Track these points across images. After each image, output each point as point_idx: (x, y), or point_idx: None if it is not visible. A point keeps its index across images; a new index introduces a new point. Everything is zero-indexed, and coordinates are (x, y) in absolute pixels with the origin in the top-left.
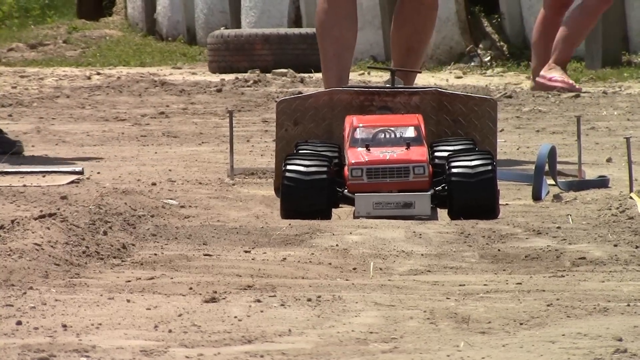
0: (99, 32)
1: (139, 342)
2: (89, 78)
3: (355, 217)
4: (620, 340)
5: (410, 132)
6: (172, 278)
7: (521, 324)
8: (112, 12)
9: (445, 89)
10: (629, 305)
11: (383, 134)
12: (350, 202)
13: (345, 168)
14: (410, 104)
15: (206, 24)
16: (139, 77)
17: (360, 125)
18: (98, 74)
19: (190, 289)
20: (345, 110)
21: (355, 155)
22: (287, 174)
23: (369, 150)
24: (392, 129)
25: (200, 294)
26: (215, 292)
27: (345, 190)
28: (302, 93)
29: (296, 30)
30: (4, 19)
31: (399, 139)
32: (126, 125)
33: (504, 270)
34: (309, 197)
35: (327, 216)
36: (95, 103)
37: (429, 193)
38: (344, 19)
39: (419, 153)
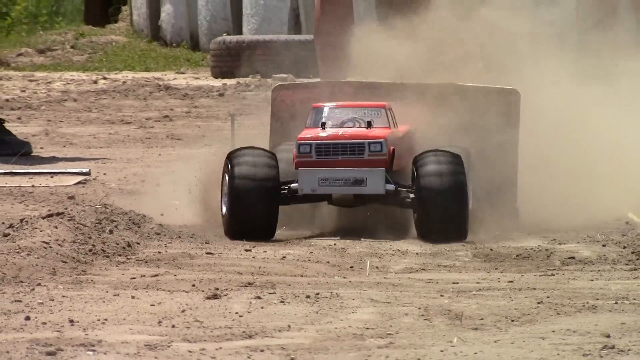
0: (105, 38)
1: (144, 337)
2: (95, 82)
3: (298, 194)
4: (609, 336)
5: (375, 114)
6: (175, 275)
7: (512, 320)
8: (118, 18)
9: (461, 83)
10: (616, 303)
11: (344, 114)
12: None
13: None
14: (425, 97)
15: (209, 30)
16: (144, 82)
17: (319, 106)
18: (104, 78)
19: (193, 285)
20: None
21: (305, 132)
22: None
23: (323, 128)
24: (355, 109)
25: (203, 291)
26: (217, 289)
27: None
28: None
29: (295, 37)
30: (13, 25)
31: (360, 119)
32: (131, 128)
33: (496, 268)
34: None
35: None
36: (102, 106)
37: (383, 169)
38: (340, 25)
39: (379, 131)
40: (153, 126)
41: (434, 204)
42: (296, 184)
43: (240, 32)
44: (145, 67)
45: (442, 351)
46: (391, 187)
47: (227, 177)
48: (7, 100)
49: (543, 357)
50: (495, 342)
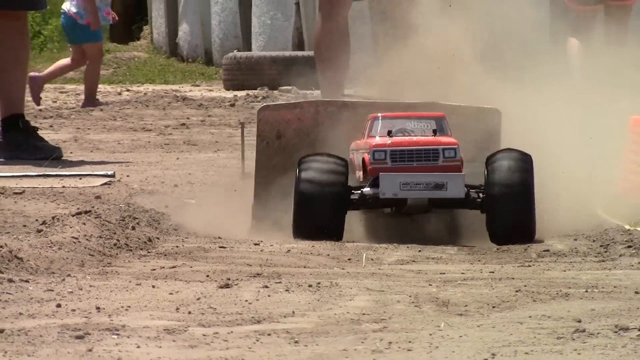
0: (128, 54)
1: (163, 322)
2: (119, 94)
3: (380, 198)
4: (580, 321)
5: (434, 124)
6: (191, 267)
7: (493, 307)
8: (140, 36)
9: (445, 102)
10: (587, 291)
11: (406, 124)
12: (368, 204)
13: (365, 155)
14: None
15: (221, 47)
16: (163, 93)
17: (380, 115)
18: (127, 90)
19: (207, 276)
20: (334, 125)
21: (376, 140)
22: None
23: (390, 136)
24: (415, 118)
25: (216, 281)
26: (229, 279)
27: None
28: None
29: (299, 53)
30: (46, 43)
31: (424, 128)
32: (152, 134)
33: (479, 261)
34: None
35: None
36: (125, 115)
37: (463, 174)
38: (338, 43)
39: (449, 138)
40: (171, 133)
41: (501, 205)
42: (368, 189)
43: (249, 49)
44: (164, 80)
45: (430, 334)
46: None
47: (295, 182)
48: (40, 110)
49: (521, 339)
50: (478, 326)
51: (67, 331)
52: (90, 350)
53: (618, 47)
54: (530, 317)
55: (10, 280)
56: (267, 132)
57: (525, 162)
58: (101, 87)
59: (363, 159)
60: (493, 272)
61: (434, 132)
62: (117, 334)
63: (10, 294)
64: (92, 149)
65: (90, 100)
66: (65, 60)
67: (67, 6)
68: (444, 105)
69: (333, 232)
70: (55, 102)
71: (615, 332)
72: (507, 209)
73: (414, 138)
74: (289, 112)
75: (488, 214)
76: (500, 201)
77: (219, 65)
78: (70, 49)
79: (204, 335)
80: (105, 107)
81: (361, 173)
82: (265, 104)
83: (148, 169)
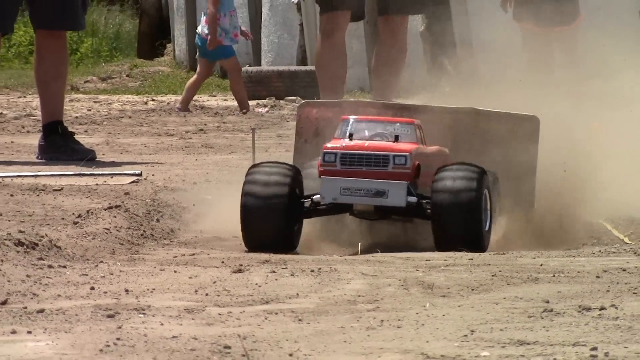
0: (153, 68)
1: (183, 303)
2: (145, 103)
3: (320, 202)
4: (548, 302)
5: (404, 130)
6: (208, 254)
7: (472, 289)
8: (164, 53)
9: (483, 108)
10: (554, 275)
11: (372, 127)
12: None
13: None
14: (443, 122)
15: None
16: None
17: (348, 118)
18: (153, 100)
19: (222, 262)
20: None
21: (332, 142)
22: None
23: (350, 139)
24: (383, 123)
25: (230, 267)
26: (241, 265)
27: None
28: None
29: (303, 68)
30: (82, 59)
31: (388, 134)
32: (174, 139)
33: (460, 249)
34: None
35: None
36: (151, 122)
37: (406, 182)
38: (337, 58)
39: (405, 146)
40: (191, 137)
41: (446, 219)
42: (317, 196)
43: (259, 64)
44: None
45: (417, 313)
46: (413, 199)
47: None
48: (76, 117)
49: (496, 318)
50: (459, 306)
51: (100, 311)
52: (119, 327)
53: (566, 69)
54: (504, 298)
55: (50, 266)
56: (305, 129)
57: (473, 173)
58: (129, 98)
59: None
60: (472, 259)
61: (396, 138)
62: (144, 313)
63: (50, 278)
64: (121, 152)
65: (245, 106)
66: (192, 79)
67: (199, 29)
68: (481, 111)
69: (282, 244)
70: (90, 110)
71: (579, 311)
72: (451, 219)
73: (366, 143)
74: (329, 110)
75: (433, 224)
76: (445, 211)
77: None
78: (198, 65)
79: (219, 314)
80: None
81: None
82: (306, 100)
83: (171, 168)
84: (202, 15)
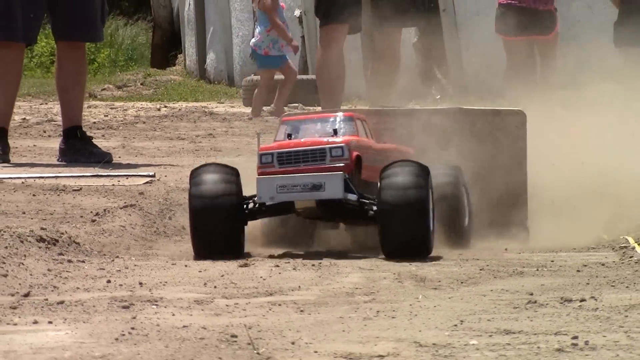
0: (166, 77)
1: (193, 295)
2: (159, 109)
3: (258, 203)
4: (532, 294)
5: (338, 125)
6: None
7: (462, 282)
8: (175, 63)
9: (468, 106)
10: (537, 270)
11: (310, 126)
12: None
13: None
14: (430, 124)
15: (241, 71)
16: (194, 109)
17: (285, 119)
18: (165, 106)
19: (229, 257)
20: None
21: (270, 144)
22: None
23: (289, 139)
24: (320, 120)
25: (237, 261)
26: (247, 259)
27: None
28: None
29: (304, 77)
30: (99, 68)
31: (327, 129)
32: (185, 142)
33: (450, 245)
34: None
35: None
36: (163, 127)
37: (341, 173)
38: (335, 68)
39: (342, 138)
40: (201, 141)
41: (393, 219)
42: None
43: None
44: (195, 99)
45: (410, 305)
46: (353, 196)
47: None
48: (94, 122)
49: (484, 309)
50: (449, 298)
51: (115, 302)
52: (134, 317)
53: (544, 78)
54: (491, 290)
55: (69, 261)
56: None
57: (420, 175)
58: (144, 104)
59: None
60: (461, 254)
61: (334, 132)
62: (156, 305)
63: (69, 272)
64: (136, 154)
65: (276, 106)
66: (256, 91)
67: (253, 42)
68: (467, 110)
69: (229, 248)
70: (107, 116)
71: (561, 303)
72: (398, 223)
73: (302, 139)
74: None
75: (380, 228)
76: (391, 214)
77: (239, 86)
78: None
79: (227, 305)
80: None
81: None
82: (288, 113)
83: (182, 170)
84: (256, 27)
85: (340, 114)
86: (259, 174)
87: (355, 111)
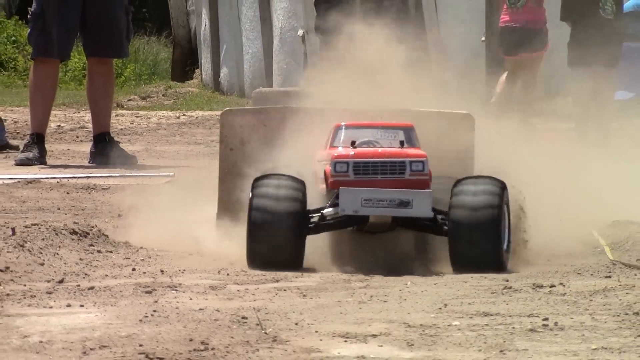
0: (184, 89)
1: (208, 281)
2: (178, 118)
3: (340, 215)
4: (507, 281)
5: (402, 135)
6: (229, 241)
7: (446, 271)
8: (192, 77)
9: (415, 108)
10: (512, 260)
11: (372, 134)
12: (329, 227)
13: (327, 167)
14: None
15: (251, 84)
16: (209, 117)
17: (344, 124)
18: (184, 115)
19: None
20: (300, 132)
21: (339, 151)
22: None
23: (354, 147)
24: (382, 128)
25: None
26: None
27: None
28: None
29: (309, 88)
30: (126, 81)
31: (391, 139)
32: (201, 147)
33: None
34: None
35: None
36: (182, 133)
37: (430, 191)
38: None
39: (417, 150)
40: (215, 146)
41: (464, 238)
42: (329, 209)
43: (271, 85)
44: (210, 108)
45: (400, 290)
46: (431, 212)
47: (248, 208)
48: (121, 129)
49: (465, 294)
50: (434, 284)
51: (140, 288)
52: (156, 301)
53: (524, 92)
54: (472, 277)
55: (99, 251)
56: (230, 137)
57: (495, 187)
58: (165, 113)
59: (325, 171)
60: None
61: (401, 144)
62: (176, 290)
63: (99, 261)
64: (158, 157)
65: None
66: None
67: None
68: (414, 111)
69: (290, 261)
70: (132, 123)
71: (533, 288)
72: (471, 237)
73: (379, 149)
74: (254, 117)
75: (451, 241)
76: (464, 227)
77: (249, 97)
78: None
79: (238, 290)
80: None
81: (324, 186)
82: (228, 108)
83: (198, 171)
84: None
85: (400, 125)
86: (332, 184)
87: (298, 110)
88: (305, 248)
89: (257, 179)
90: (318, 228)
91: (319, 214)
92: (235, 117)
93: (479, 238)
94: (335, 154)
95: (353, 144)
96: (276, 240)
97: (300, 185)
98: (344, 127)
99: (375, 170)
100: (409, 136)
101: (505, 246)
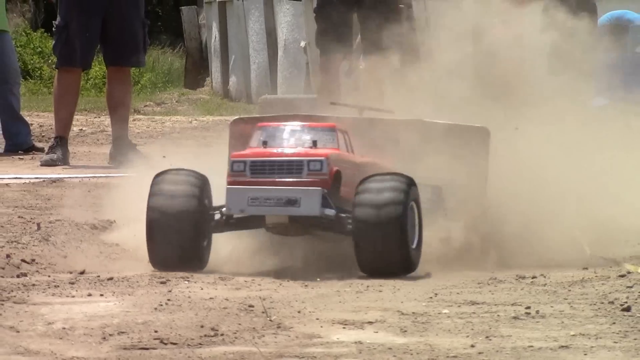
0: (196, 96)
1: (217, 273)
2: (190, 122)
3: (227, 214)
4: (493, 272)
5: (320, 135)
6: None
7: (437, 263)
8: (204, 85)
9: (430, 119)
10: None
11: (288, 134)
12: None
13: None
14: (391, 133)
15: (257, 92)
16: (219, 122)
17: (263, 125)
18: (195, 120)
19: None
20: None
21: (243, 151)
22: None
23: (265, 147)
24: (300, 129)
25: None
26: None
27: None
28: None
29: (308, 96)
30: (142, 89)
31: (303, 140)
32: (211, 148)
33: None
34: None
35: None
36: (194, 136)
37: (319, 189)
38: (333, 90)
39: (322, 150)
40: (224, 149)
41: (368, 237)
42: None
43: (275, 93)
44: (220, 114)
45: (394, 281)
46: (331, 212)
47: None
48: (138, 132)
49: (454, 284)
50: (425, 275)
51: (155, 279)
52: (170, 291)
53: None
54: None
55: (117, 245)
56: (238, 146)
57: (401, 184)
58: (178, 118)
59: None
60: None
61: (314, 144)
62: (188, 281)
63: (117, 253)
64: (171, 158)
65: None
66: None
67: None
68: (429, 122)
69: (191, 261)
70: (148, 127)
71: (517, 279)
72: (375, 235)
73: (278, 149)
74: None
75: (355, 240)
76: (368, 226)
77: (256, 104)
78: None
79: (245, 281)
80: None
81: None
82: (238, 116)
83: (208, 170)
84: None
85: (323, 126)
86: (229, 183)
87: (306, 118)
88: (210, 246)
89: (156, 176)
90: (222, 226)
91: (219, 212)
92: (246, 125)
93: (384, 236)
94: (235, 154)
95: (265, 144)
96: (173, 239)
97: (199, 180)
98: (262, 128)
99: (272, 170)
100: (327, 137)
101: (414, 244)
